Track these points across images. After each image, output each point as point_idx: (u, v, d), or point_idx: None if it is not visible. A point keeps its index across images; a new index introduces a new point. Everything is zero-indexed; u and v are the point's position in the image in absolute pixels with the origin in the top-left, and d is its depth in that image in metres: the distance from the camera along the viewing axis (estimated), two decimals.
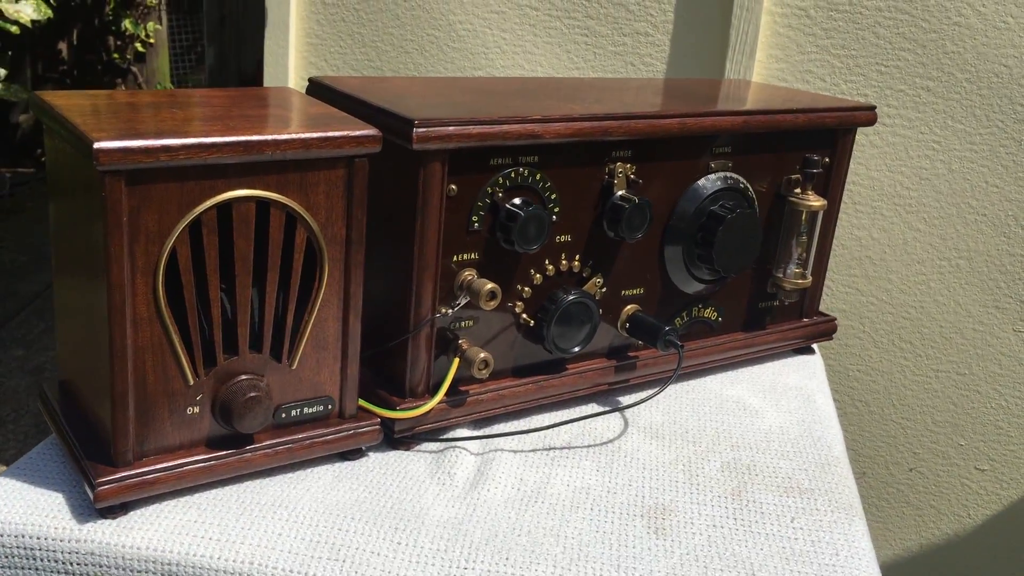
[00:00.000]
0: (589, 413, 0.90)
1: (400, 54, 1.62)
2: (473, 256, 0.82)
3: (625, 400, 0.93)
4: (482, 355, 0.82)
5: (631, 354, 0.95)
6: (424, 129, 0.75)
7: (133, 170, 0.64)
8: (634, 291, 0.93)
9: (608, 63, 1.50)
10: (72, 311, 0.76)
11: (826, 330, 1.10)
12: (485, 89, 0.95)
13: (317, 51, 1.67)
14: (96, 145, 0.62)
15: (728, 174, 0.95)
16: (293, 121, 0.76)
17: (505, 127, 0.79)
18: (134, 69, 4.48)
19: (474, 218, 0.81)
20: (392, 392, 0.82)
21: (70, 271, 0.75)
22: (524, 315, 0.86)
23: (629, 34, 1.49)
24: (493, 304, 0.81)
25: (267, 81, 1.70)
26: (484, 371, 0.82)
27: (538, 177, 0.83)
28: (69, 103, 0.72)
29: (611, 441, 0.86)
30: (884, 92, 1.40)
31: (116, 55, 4.32)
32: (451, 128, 0.76)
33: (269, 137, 0.69)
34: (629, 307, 0.93)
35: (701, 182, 0.93)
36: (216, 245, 0.69)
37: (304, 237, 0.73)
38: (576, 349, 0.88)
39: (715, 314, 1.00)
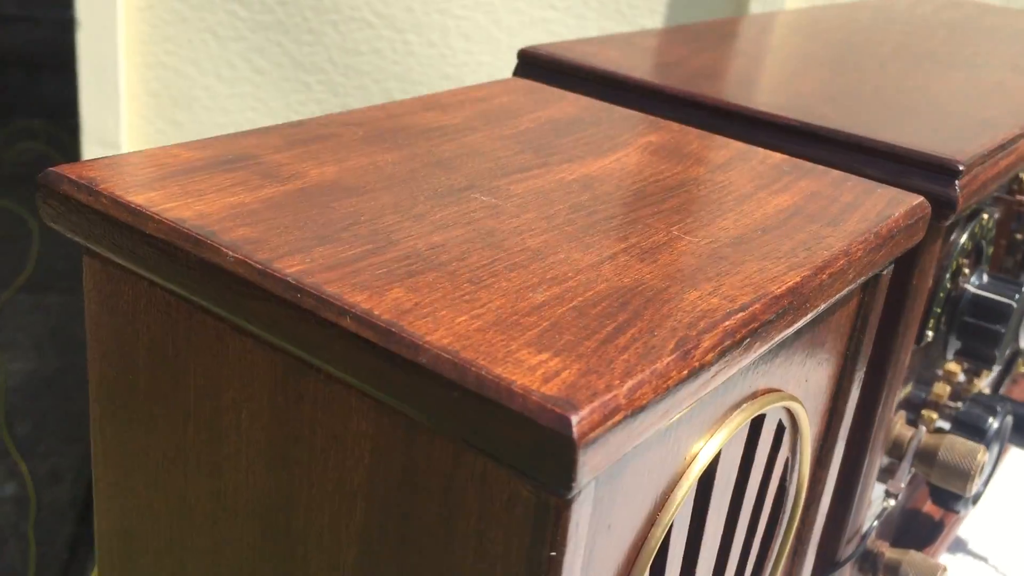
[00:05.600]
0: None
1: None
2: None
3: None
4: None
5: None
6: (967, 178, 0.36)
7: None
8: None
9: None
10: None
11: None
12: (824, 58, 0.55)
13: None
14: (576, 423, 0.19)
15: None
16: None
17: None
18: None
19: (929, 321, 0.43)
20: None
21: None
22: None
23: None
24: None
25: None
26: None
27: (989, 226, 0.46)
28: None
29: None
30: None
31: None
32: (986, 166, 0.37)
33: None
34: None
35: None
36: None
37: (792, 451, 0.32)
38: None
39: None
